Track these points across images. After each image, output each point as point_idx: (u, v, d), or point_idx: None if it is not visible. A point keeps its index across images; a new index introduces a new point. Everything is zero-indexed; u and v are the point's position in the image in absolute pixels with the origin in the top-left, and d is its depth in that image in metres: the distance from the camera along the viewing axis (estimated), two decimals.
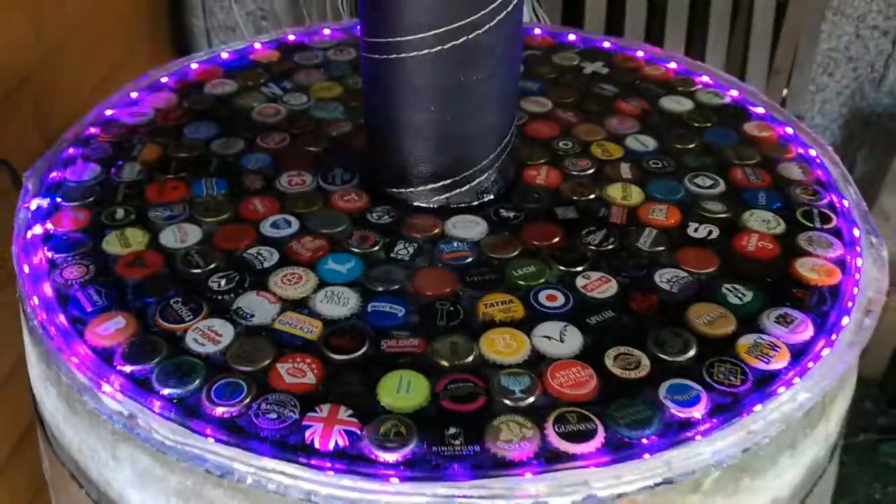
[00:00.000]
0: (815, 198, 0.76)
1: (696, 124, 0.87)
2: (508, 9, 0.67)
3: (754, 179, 0.79)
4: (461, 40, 0.66)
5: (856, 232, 0.71)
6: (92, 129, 0.85)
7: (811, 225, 0.73)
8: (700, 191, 0.77)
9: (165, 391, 0.57)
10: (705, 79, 0.95)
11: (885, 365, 1.78)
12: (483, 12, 0.65)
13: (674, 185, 0.78)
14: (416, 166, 0.72)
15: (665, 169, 0.80)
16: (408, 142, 0.72)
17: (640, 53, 1.00)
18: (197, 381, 0.58)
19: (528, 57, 0.99)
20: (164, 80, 0.93)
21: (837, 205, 0.76)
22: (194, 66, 0.96)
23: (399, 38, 0.66)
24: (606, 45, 1.02)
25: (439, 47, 0.66)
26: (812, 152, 0.83)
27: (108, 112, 0.87)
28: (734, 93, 0.93)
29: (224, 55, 0.97)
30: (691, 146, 0.83)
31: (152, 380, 0.58)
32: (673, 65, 0.98)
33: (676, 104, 0.90)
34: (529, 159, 0.81)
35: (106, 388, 0.57)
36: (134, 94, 0.90)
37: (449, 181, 0.73)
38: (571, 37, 1.03)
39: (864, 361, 1.61)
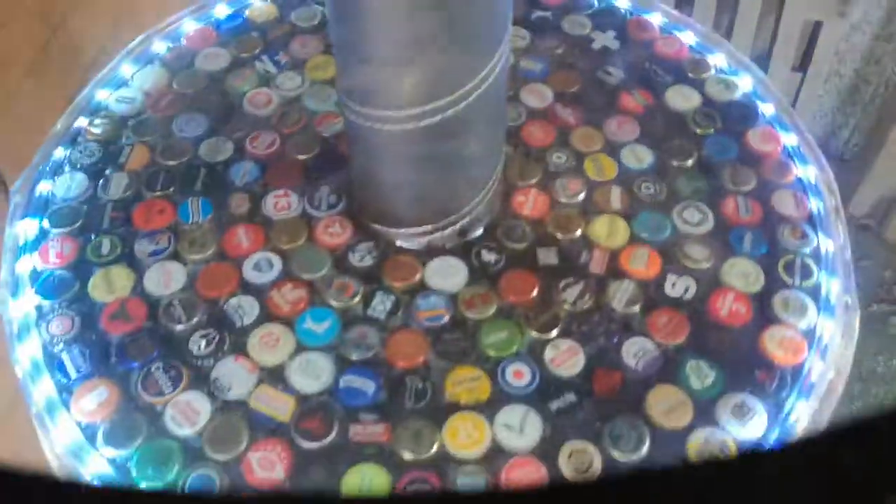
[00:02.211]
0: (802, 242, 0.77)
1: (698, 130, 0.86)
2: (489, 82, 0.66)
3: (745, 214, 0.79)
4: (437, 118, 0.65)
5: (832, 296, 0.73)
6: (81, 121, 0.86)
7: (790, 282, 0.75)
8: (687, 228, 0.78)
9: (144, 483, 0.63)
10: (720, 59, 0.93)
11: None
12: (459, 92, 0.65)
13: (661, 219, 0.79)
14: (397, 214, 0.74)
15: (656, 197, 0.80)
16: (388, 194, 0.74)
17: (656, 19, 0.97)
18: (174, 470, 0.64)
19: (537, 21, 0.97)
20: (156, 47, 0.92)
21: (823, 251, 0.77)
22: (188, 25, 0.95)
23: (373, 111, 0.66)
24: (624, 3, 0.99)
25: (414, 124, 0.66)
26: (811, 172, 0.82)
27: (98, 96, 0.88)
28: (746, 81, 0.90)
29: (218, 12, 0.95)
30: (688, 163, 0.83)
31: (132, 468, 0.64)
32: (690, 35, 0.95)
33: (683, 100, 0.89)
34: (521, 178, 0.82)
35: (85, 475, 0.63)
36: (125, 69, 0.90)
37: (430, 227, 0.75)
38: None
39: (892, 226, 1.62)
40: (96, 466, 0.64)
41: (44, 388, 0.68)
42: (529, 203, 0.81)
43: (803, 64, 1.74)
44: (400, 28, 0.60)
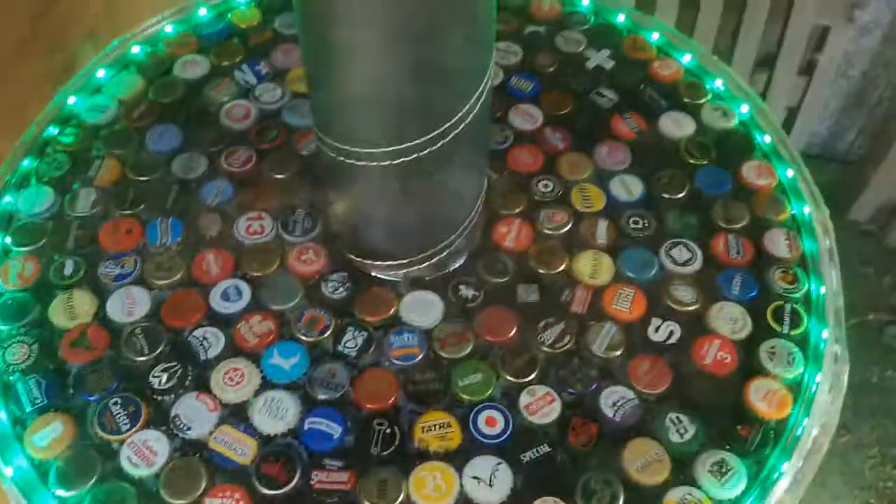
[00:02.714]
0: (793, 287, 0.75)
1: (692, 160, 0.84)
2: (471, 117, 0.64)
3: (735, 255, 0.77)
4: (414, 156, 0.63)
5: (821, 346, 0.71)
6: (52, 129, 0.83)
7: (779, 330, 0.73)
8: (674, 268, 0.76)
9: None
10: (718, 84, 0.90)
11: None
12: (439, 130, 0.63)
13: (648, 257, 0.77)
14: (372, 247, 0.72)
15: (644, 232, 0.78)
16: (363, 228, 0.72)
17: (655, 36, 0.94)
18: None
19: (531, 36, 0.94)
20: (134, 50, 0.90)
21: (815, 297, 0.75)
22: (168, 29, 0.92)
23: (349, 147, 0.64)
24: (621, 18, 0.96)
25: (388, 162, 0.63)
26: (807, 210, 0.80)
27: (70, 101, 0.86)
28: (744, 109, 0.88)
29: (202, 13, 0.93)
30: (679, 196, 0.81)
31: None
32: (688, 58, 0.92)
33: (676, 127, 0.87)
34: (504, 208, 0.80)
35: None
36: (100, 74, 0.88)
37: (407, 260, 0.73)
38: (585, 2, 0.96)
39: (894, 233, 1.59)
40: None
41: None
42: (512, 234, 0.78)
43: (810, 67, 1.71)
44: (375, 64, 0.58)
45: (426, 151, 0.63)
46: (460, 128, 0.63)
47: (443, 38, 0.57)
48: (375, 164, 0.64)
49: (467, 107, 0.62)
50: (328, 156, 0.66)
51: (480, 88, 0.62)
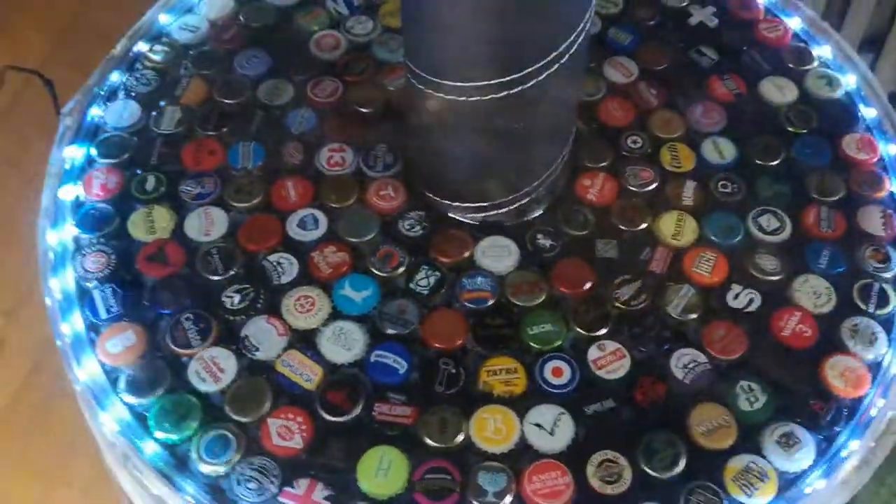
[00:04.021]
0: (884, 266, 0.75)
1: (790, 129, 0.84)
2: (568, 55, 0.65)
3: (825, 228, 0.78)
4: (505, 93, 0.65)
5: None
6: (142, 46, 0.87)
7: (864, 308, 0.73)
8: (761, 236, 0.77)
9: (160, 434, 0.65)
10: (826, 50, 0.90)
11: None
12: (534, 66, 0.64)
13: (734, 222, 0.78)
14: (453, 186, 0.74)
15: (733, 196, 0.79)
16: (445, 165, 0.74)
17: None
18: (192, 427, 0.65)
19: None
20: None
21: None
22: None
23: (439, 80, 0.65)
24: None
25: (477, 97, 0.65)
26: None
27: (162, 19, 0.89)
28: (851, 80, 0.88)
29: None
30: (774, 163, 0.81)
31: (149, 418, 0.66)
32: (796, 21, 0.92)
33: (778, 93, 0.87)
34: (589, 160, 0.81)
35: (104, 418, 0.66)
36: None
37: (487, 203, 0.75)
38: None
39: None
40: (115, 411, 0.66)
41: (72, 324, 0.70)
42: (596, 188, 0.80)
43: None
44: None
45: (516, 90, 0.65)
46: (553, 68, 0.65)
47: None
48: (464, 98, 0.66)
49: (563, 47, 0.63)
50: (416, 87, 0.68)
51: (579, 29, 0.63)
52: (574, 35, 0.63)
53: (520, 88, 0.64)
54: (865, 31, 1.65)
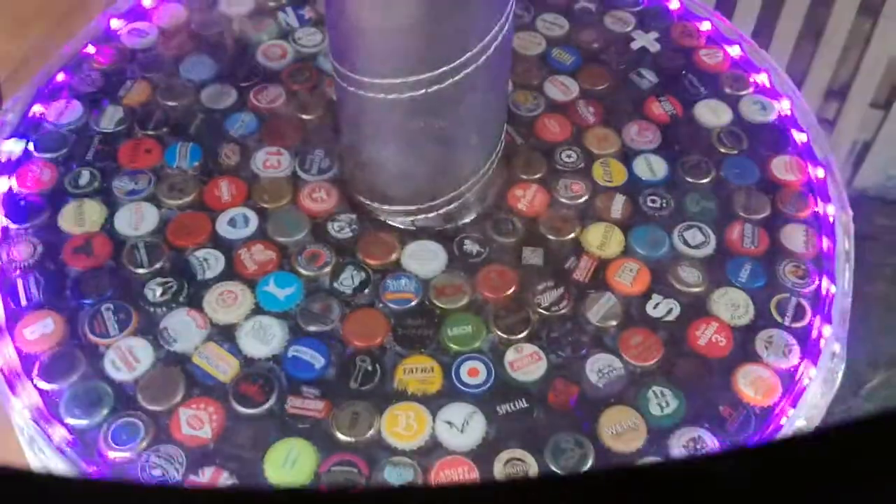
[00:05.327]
0: (802, 282, 0.76)
1: (722, 149, 0.85)
2: (478, 63, 0.66)
3: (748, 244, 0.78)
4: (423, 91, 0.66)
5: (821, 343, 0.71)
6: (90, 48, 0.88)
7: (780, 321, 0.73)
8: (686, 249, 0.77)
9: (70, 420, 0.65)
10: (762, 78, 0.91)
11: None
12: (453, 64, 0.65)
13: (660, 236, 0.78)
14: (382, 189, 0.74)
15: (661, 211, 0.79)
16: (374, 168, 0.74)
17: (705, 26, 0.95)
18: (102, 414, 0.65)
19: (579, 13, 0.96)
20: None
21: (822, 294, 0.75)
22: None
23: (357, 77, 0.66)
24: (675, 5, 0.97)
25: (396, 95, 0.66)
26: (830, 210, 0.81)
27: (114, 24, 0.90)
28: (785, 106, 0.89)
29: None
30: (703, 181, 0.82)
31: (60, 404, 0.65)
32: (736, 50, 0.93)
33: (712, 115, 0.88)
34: (524, 172, 0.81)
35: (16, 403, 0.65)
36: (148, 2, 0.92)
37: (414, 208, 0.75)
38: None
39: None
40: (28, 398, 0.66)
41: None
42: (527, 198, 0.80)
43: (888, 101, 1.69)
44: None
45: (433, 89, 0.66)
46: (469, 68, 0.66)
47: None
48: (382, 96, 0.66)
49: (479, 48, 0.64)
50: (343, 89, 0.69)
51: (494, 32, 0.64)
52: (489, 37, 0.64)
53: (437, 87, 0.65)
54: (829, 83, 1.67)
